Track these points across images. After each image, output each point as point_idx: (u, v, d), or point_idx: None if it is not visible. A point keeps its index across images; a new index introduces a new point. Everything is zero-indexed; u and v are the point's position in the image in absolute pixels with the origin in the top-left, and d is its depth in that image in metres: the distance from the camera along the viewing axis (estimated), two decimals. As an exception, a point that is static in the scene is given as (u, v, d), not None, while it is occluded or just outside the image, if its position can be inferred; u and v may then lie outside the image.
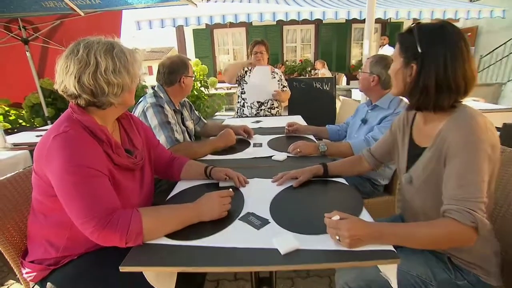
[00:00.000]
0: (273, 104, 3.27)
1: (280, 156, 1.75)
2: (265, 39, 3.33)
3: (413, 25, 1.00)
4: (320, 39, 10.34)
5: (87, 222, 0.90)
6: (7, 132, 3.05)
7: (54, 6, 3.59)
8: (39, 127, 3.66)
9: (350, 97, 5.90)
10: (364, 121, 1.98)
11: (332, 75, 6.96)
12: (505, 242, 1.09)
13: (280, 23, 8.85)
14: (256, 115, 3.24)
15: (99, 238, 0.90)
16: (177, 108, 2.01)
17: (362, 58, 10.19)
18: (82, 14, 3.80)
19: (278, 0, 8.18)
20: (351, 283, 1.06)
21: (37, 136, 2.76)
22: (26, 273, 1.09)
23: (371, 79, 1.86)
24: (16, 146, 2.43)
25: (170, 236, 0.97)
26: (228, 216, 1.08)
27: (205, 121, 2.45)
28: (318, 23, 9.35)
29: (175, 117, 1.95)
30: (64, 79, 0.98)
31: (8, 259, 1.14)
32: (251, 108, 3.25)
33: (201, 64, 4.90)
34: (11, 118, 4.38)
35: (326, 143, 1.82)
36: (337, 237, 0.87)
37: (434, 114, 1.01)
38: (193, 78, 2.15)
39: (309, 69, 9.97)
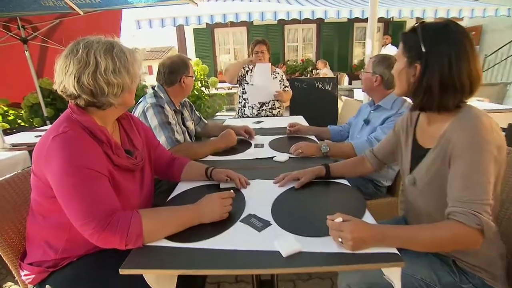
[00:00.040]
0: (274, 105, 3.27)
1: (282, 157, 1.75)
2: (266, 38, 3.32)
3: (417, 24, 1.00)
4: (322, 38, 10.33)
5: (87, 224, 0.90)
6: (6, 132, 3.06)
7: (53, 5, 3.59)
8: (38, 127, 3.67)
9: (352, 97, 5.89)
10: (367, 122, 1.97)
11: (334, 75, 6.96)
12: (511, 244, 1.08)
13: (282, 22, 8.83)
14: (257, 116, 3.24)
15: (98, 240, 0.90)
16: (178, 108, 2.01)
17: (364, 58, 10.20)
18: (82, 13, 3.81)
19: (279, -1, 8.18)
20: (353, 286, 1.06)
21: (36, 136, 2.77)
22: (25, 275, 1.08)
23: (373, 79, 1.85)
24: (15, 146, 2.43)
25: (170, 238, 0.97)
26: (229, 218, 1.07)
27: (205, 121, 2.45)
28: (319, 22, 9.34)
29: (176, 118, 1.95)
30: (64, 79, 0.98)
31: (6, 261, 1.14)
32: (252, 108, 3.25)
33: (202, 64, 4.90)
34: (10, 118, 4.39)
35: (328, 143, 1.81)
36: (340, 240, 0.87)
37: (438, 115, 1.01)
38: (194, 78, 2.15)
39: (310, 69, 9.97)
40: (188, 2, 3.86)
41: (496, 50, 8.38)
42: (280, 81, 3.29)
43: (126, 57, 1.04)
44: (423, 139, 1.12)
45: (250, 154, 1.87)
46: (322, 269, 0.84)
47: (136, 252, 0.91)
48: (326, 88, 4.62)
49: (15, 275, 1.15)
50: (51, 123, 3.88)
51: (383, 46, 8.05)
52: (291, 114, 4.13)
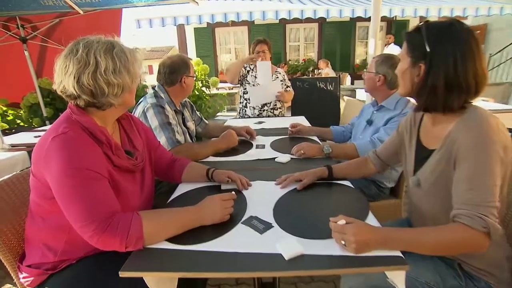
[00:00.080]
0: (276, 105, 3.26)
1: (284, 158, 1.74)
2: (268, 38, 3.32)
3: (421, 23, 1.00)
4: (324, 38, 10.34)
5: (86, 226, 0.90)
6: (5, 132, 3.07)
7: (53, 4, 3.60)
8: (37, 127, 3.68)
9: (355, 97, 5.89)
10: (370, 122, 1.97)
11: (336, 75, 6.96)
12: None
13: (283, 22, 8.84)
14: (258, 116, 3.24)
15: (98, 242, 0.90)
16: (178, 108, 2.01)
17: (366, 57, 10.20)
18: (81, 12, 3.82)
19: (281, -2, 8.19)
20: (357, 289, 1.05)
21: (36, 136, 2.77)
22: (23, 277, 1.08)
23: (376, 79, 1.85)
24: (14, 147, 2.44)
25: (171, 240, 0.96)
26: (231, 220, 1.07)
27: (206, 121, 2.45)
28: (321, 21, 9.34)
29: (176, 118, 1.95)
30: (63, 79, 0.98)
31: (4, 263, 1.13)
32: (254, 108, 3.25)
33: (203, 64, 4.91)
34: (9, 118, 4.41)
35: (330, 144, 1.81)
36: (343, 242, 0.87)
37: (443, 115, 1.00)
38: (195, 78, 2.15)
39: (311, 68, 9.97)
40: (188, 1, 3.87)
41: (501, 49, 8.36)
42: (282, 81, 3.28)
43: (126, 57, 1.04)
44: (427, 140, 1.11)
45: (251, 155, 1.87)
46: (325, 272, 0.84)
47: (136, 254, 0.91)
48: (328, 88, 4.62)
49: (13, 277, 1.14)
50: (50, 123, 3.88)
51: (385, 45, 8.05)
52: (292, 115, 4.13)
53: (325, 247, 0.90)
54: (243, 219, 1.09)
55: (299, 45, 10.63)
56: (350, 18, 7.42)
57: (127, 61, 1.04)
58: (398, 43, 7.46)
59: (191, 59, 2.08)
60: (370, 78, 1.89)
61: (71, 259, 1.06)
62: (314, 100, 4.57)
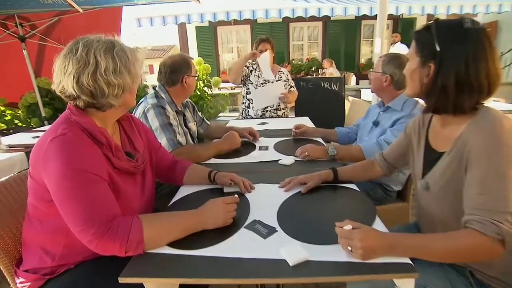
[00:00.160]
0: (279, 105, 3.26)
1: (287, 160, 1.74)
2: (271, 36, 3.31)
3: (431, 22, 0.99)
4: (328, 36, 10.33)
5: (85, 230, 0.89)
6: (3, 132, 3.09)
7: (52, 3, 3.62)
8: (35, 127, 3.69)
9: (360, 97, 5.89)
10: (376, 123, 1.96)
11: (341, 75, 6.95)
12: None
13: (286, 20, 8.85)
14: (261, 117, 3.23)
15: (97, 247, 0.90)
16: (179, 109, 2.01)
17: (372, 57, 10.19)
18: (81, 10, 3.83)
19: (284, -4, 8.19)
20: (363, 297, 1.04)
21: (34, 137, 2.78)
22: (20, 283, 1.08)
23: (383, 79, 1.84)
24: (12, 147, 2.44)
25: (172, 245, 0.96)
26: (233, 224, 1.07)
27: (208, 122, 2.44)
28: (326, 20, 9.34)
29: (177, 119, 1.95)
30: (62, 79, 0.98)
31: (1, 268, 1.13)
32: (257, 109, 3.24)
33: (204, 63, 4.92)
34: (7, 118, 4.43)
35: (335, 146, 1.80)
36: (349, 248, 0.86)
37: (453, 117, 0.99)
38: (196, 78, 2.15)
39: (314, 68, 9.95)
40: (190, 0, 3.88)
41: (513, 48, 8.29)
42: (285, 81, 3.28)
43: (127, 56, 1.03)
44: (436, 142, 1.10)
45: (254, 157, 1.87)
46: (331, 279, 0.83)
47: (136, 259, 0.90)
48: (333, 88, 4.62)
49: (10, 282, 1.14)
50: (49, 124, 3.90)
51: (392, 44, 8.02)
52: (296, 115, 4.12)
53: (331, 253, 0.89)
54: (246, 223, 1.08)
55: (302, 44, 10.63)
56: (355, 16, 7.42)
57: (128, 61, 1.03)
58: (404, 41, 7.43)
59: (192, 59, 2.08)
60: (376, 78, 1.88)
61: (69, 263, 1.05)
62: (318, 100, 4.57)
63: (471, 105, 0.94)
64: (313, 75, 9.40)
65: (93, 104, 1.02)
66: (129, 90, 1.07)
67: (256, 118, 3.22)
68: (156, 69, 2.08)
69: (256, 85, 3.18)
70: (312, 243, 0.94)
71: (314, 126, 2.42)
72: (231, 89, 7.02)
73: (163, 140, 1.73)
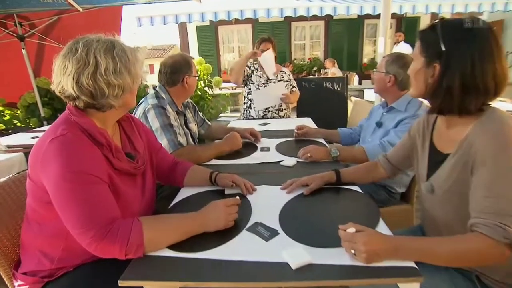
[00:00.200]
0: (281, 106, 3.26)
1: (289, 161, 1.74)
2: (272, 36, 3.31)
3: (436, 21, 0.98)
4: (330, 36, 10.32)
5: (85, 233, 0.89)
6: (1, 133, 3.10)
7: (52, 2, 3.63)
8: (34, 128, 3.70)
9: (362, 97, 5.87)
10: (379, 124, 1.95)
11: (343, 75, 6.93)
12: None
13: (288, 20, 8.84)
14: (263, 117, 3.23)
15: (97, 250, 0.89)
16: (180, 109, 2.01)
17: (375, 56, 10.17)
18: (81, 9, 3.84)
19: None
20: (366, 301, 1.04)
21: (33, 137, 2.79)
22: (18, 285, 1.08)
23: (387, 80, 1.83)
24: (11, 148, 2.45)
25: (172, 247, 0.96)
26: (235, 227, 1.06)
27: (209, 123, 2.44)
28: (328, 19, 9.34)
29: (178, 119, 1.95)
30: (62, 79, 0.98)
31: (-1, 270, 1.13)
32: (258, 109, 3.24)
33: (205, 63, 4.92)
34: (5, 118, 4.44)
35: (338, 147, 1.80)
36: (353, 252, 0.85)
37: (459, 118, 0.99)
38: (197, 78, 2.15)
39: (316, 68, 9.94)
40: (191, -2, 3.88)
41: (520, 47, 8.26)
42: (287, 81, 3.27)
43: (127, 56, 1.03)
44: (441, 143, 1.10)
45: (256, 158, 1.86)
46: (334, 283, 0.82)
47: (137, 262, 0.90)
48: (335, 88, 4.61)
49: (8, 285, 1.14)
50: (48, 124, 3.91)
51: (395, 43, 8.00)
52: (298, 116, 4.12)
53: (334, 256, 0.88)
54: (248, 225, 1.08)
55: (304, 44, 10.62)
56: (358, 15, 7.42)
57: (128, 61, 1.03)
58: (408, 41, 7.41)
59: (193, 58, 2.08)
60: (380, 78, 1.87)
61: (68, 266, 1.05)
62: (321, 101, 4.56)
63: (477, 106, 0.93)
64: (315, 75, 9.39)
65: (93, 104, 1.02)
66: (129, 90, 1.07)
67: (258, 118, 3.21)
68: (157, 68, 2.08)
69: (258, 85, 3.18)
70: (315, 246, 0.94)
71: (316, 127, 2.42)
72: (232, 89, 7.02)
73: (163, 141, 1.73)
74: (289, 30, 10.26)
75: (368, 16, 7.44)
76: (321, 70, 9.56)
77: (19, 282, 1.08)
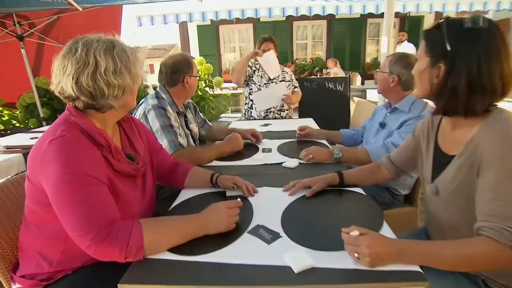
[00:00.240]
0: (283, 106, 3.25)
1: (291, 162, 1.73)
2: (274, 35, 3.32)
3: (441, 20, 0.98)
4: (333, 35, 10.32)
5: (84, 235, 0.89)
6: (0, 133, 3.09)
7: (51, 1, 3.64)
8: (33, 128, 3.70)
9: (365, 98, 5.87)
10: (383, 125, 1.95)
11: (346, 75, 6.93)
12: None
13: (290, 19, 8.85)
14: (264, 118, 3.23)
15: (96, 252, 0.89)
16: (181, 110, 2.01)
17: (378, 56, 10.17)
18: (80, 9, 3.85)
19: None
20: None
21: (32, 138, 2.79)
22: (17, 288, 1.08)
23: (390, 80, 1.83)
24: (9, 148, 2.45)
25: (173, 250, 0.95)
26: (236, 229, 1.06)
27: (210, 124, 2.44)
28: (330, 18, 9.34)
29: (179, 120, 1.95)
30: (61, 80, 0.98)
31: (-3, 273, 1.13)
32: (260, 110, 3.24)
33: (206, 63, 4.93)
34: (4, 118, 4.45)
35: (340, 148, 1.80)
36: (356, 255, 0.85)
37: (464, 119, 0.98)
38: (198, 78, 2.15)
39: (318, 68, 9.94)
40: (191, -2, 3.89)
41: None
42: (289, 81, 3.27)
43: (127, 56, 1.03)
44: (446, 145, 1.09)
45: (257, 159, 1.86)
46: (337, 287, 0.82)
47: (136, 265, 0.90)
48: (338, 88, 4.61)
49: (6, 288, 1.14)
50: (47, 124, 3.92)
51: (398, 43, 7.99)
52: (300, 117, 4.11)
53: (337, 259, 0.88)
54: (249, 228, 1.07)
55: (306, 43, 10.62)
56: (361, 14, 7.42)
57: (128, 61, 1.03)
58: (411, 40, 7.41)
59: (194, 58, 2.08)
60: (383, 79, 1.87)
61: (67, 269, 1.05)
62: (323, 101, 4.56)
63: (483, 107, 0.93)
64: (317, 75, 9.39)
65: (92, 105, 1.02)
66: (129, 91, 1.07)
67: (259, 119, 3.21)
68: (157, 68, 2.08)
69: (259, 85, 3.18)
70: (317, 249, 0.93)
71: (318, 128, 2.42)
72: (233, 90, 7.02)
73: (164, 142, 1.73)
74: (290, 30, 10.26)
75: (371, 15, 7.44)
76: (323, 70, 9.55)
77: (17, 285, 1.07)
